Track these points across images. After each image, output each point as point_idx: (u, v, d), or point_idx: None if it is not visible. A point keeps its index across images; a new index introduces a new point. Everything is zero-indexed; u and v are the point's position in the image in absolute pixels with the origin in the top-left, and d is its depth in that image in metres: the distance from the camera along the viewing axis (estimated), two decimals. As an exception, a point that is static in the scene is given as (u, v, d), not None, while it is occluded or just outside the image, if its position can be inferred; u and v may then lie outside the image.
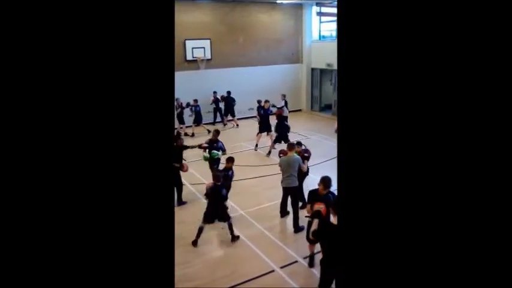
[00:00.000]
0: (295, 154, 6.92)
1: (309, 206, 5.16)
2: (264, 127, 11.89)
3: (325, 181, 5.16)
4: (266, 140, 12.08)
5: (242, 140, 13.08)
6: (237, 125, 15.24)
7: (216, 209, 6.40)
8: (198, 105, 14.14)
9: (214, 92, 14.99)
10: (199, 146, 8.41)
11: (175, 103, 13.58)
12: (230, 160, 7.08)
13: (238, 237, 6.53)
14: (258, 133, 12.02)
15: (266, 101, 12.26)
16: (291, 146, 7.00)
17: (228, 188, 6.93)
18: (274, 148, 10.93)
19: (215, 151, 8.16)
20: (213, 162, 8.28)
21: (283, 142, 10.88)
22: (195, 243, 6.35)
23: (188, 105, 13.98)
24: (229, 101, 15.05)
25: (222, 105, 15.29)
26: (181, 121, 13.94)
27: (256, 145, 11.88)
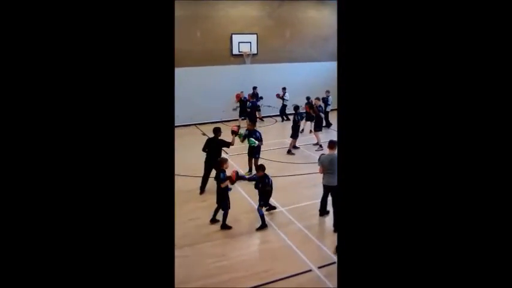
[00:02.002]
0: (336, 152, 6.73)
1: None
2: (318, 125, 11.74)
3: None
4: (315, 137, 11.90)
5: (284, 136, 12.95)
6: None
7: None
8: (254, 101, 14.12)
9: (254, 88, 14.91)
10: (232, 132, 8.70)
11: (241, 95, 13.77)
12: (261, 168, 6.89)
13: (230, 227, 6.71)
14: (314, 131, 11.84)
15: (317, 99, 12.16)
16: (332, 144, 6.79)
17: (269, 194, 6.88)
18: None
19: (252, 139, 8.69)
20: (253, 152, 8.94)
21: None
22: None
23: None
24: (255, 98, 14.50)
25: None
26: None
27: (319, 145, 11.55)
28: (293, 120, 11.59)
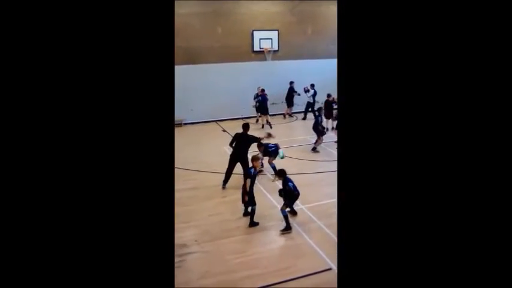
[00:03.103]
0: None
1: None
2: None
3: None
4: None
5: (306, 133, 12.88)
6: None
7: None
8: (265, 95, 14.03)
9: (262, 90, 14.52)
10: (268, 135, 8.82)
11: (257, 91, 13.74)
12: (281, 174, 6.78)
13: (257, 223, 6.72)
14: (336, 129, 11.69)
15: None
16: None
17: (294, 197, 6.82)
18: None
19: (281, 151, 8.65)
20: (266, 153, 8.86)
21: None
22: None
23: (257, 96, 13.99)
24: (264, 98, 14.07)
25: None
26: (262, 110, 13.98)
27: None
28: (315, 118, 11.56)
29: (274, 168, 8.74)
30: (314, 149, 11.09)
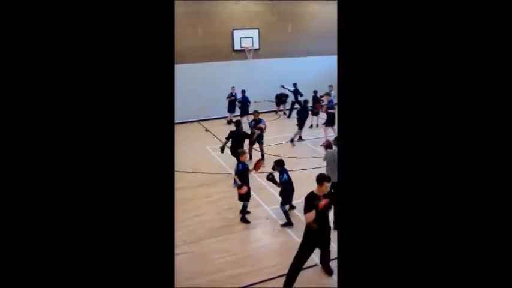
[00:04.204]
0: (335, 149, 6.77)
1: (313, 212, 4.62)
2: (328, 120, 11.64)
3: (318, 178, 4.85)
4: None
5: (290, 131, 12.93)
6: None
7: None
8: (246, 96, 14.02)
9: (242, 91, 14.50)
10: (255, 130, 9.39)
11: (231, 91, 13.70)
12: (278, 164, 6.86)
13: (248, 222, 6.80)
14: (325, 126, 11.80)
15: (327, 94, 12.13)
16: (329, 143, 6.83)
17: (290, 191, 6.87)
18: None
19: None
20: (256, 139, 9.56)
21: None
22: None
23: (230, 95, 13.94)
24: (244, 100, 14.00)
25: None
26: (232, 110, 13.95)
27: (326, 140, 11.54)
28: (298, 112, 11.73)
29: (263, 156, 9.54)
30: (292, 141, 11.30)
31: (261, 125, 9.62)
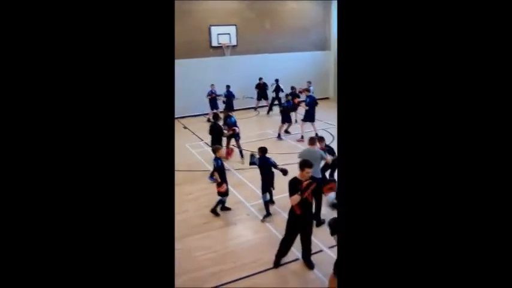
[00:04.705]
0: (317, 148, 6.82)
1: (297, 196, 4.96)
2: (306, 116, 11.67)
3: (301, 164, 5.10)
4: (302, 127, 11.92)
5: (270, 127, 12.98)
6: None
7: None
8: (231, 91, 13.95)
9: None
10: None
11: (210, 89, 13.63)
12: (261, 150, 6.89)
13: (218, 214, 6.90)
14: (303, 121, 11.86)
15: (306, 90, 12.21)
16: (312, 141, 6.86)
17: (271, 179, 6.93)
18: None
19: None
20: (231, 136, 9.63)
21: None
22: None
23: (211, 93, 13.85)
24: (229, 95, 14.04)
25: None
26: (214, 107, 13.78)
27: (302, 136, 11.60)
28: (282, 105, 11.91)
29: (241, 151, 9.61)
30: (279, 136, 11.49)
31: (235, 128, 9.57)
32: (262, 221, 6.66)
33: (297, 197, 4.92)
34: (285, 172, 6.55)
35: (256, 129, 13.03)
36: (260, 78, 15.16)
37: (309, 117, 11.51)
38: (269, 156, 6.93)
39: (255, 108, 15.82)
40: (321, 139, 7.52)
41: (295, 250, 5.61)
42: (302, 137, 11.39)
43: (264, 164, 6.78)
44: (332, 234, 4.44)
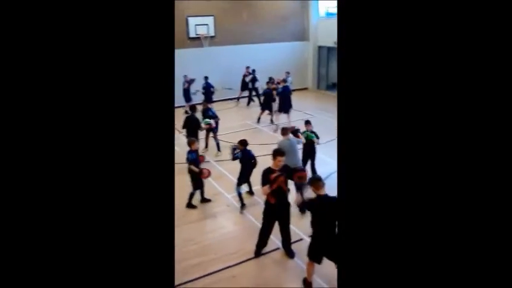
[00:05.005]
0: (291, 136, 6.90)
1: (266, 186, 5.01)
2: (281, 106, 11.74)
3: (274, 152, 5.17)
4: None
5: (247, 118, 12.96)
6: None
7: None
8: (209, 82, 13.79)
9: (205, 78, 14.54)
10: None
11: (184, 79, 13.44)
12: (242, 143, 6.85)
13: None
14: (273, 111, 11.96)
15: (283, 81, 12.25)
16: (285, 131, 6.90)
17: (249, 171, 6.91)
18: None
19: (206, 119, 9.24)
20: (209, 128, 9.49)
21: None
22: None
23: (187, 82, 13.64)
24: (208, 86, 13.69)
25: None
26: (188, 99, 13.57)
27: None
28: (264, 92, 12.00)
29: (218, 144, 9.60)
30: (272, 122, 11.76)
31: (211, 122, 9.41)
32: (241, 212, 6.70)
33: (266, 188, 4.96)
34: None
35: (235, 120, 12.98)
36: (254, 71, 14.95)
37: (283, 107, 11.58)
38: (249, 149, 6.92)
39: (237, 99, 15.70)
40: (307, 123, 7.81)
41: (276, 239, 5.66)
42: (277, 126, 11.51)
43: (245, 157, 6.76)
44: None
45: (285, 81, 12.46)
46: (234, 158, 6.85)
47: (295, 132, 7.38)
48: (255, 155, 7.00)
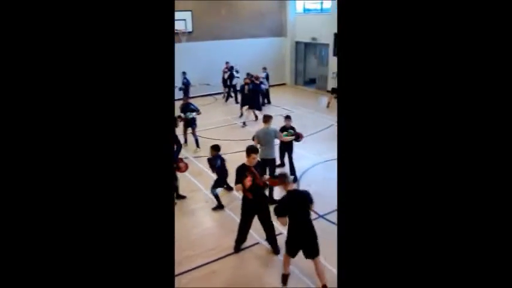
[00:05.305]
0: (271, 126, 6.89)
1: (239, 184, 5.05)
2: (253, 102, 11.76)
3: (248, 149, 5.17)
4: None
5: (226, 114, 12.94)
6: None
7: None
8: (187, 78, 13.64)
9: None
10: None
11: None
12: (214, 148, 6.74)
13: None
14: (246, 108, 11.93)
15: (256, 77, 12.26)
16: (267, 118, 6.90)
17: (225, 174, 6.83)
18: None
19: (189, 112, 9.34)
20: (188, 124, 9.56)
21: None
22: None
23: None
24: (186, 83, 13.73)
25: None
26: None
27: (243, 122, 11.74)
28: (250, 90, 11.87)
29: (197, 140, 9.51)
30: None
31: (194, 115, 9.42)
32: (214, 209, 6.69)
33: (240, 186, 5.01)
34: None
35: (214, 116, 12.95)
36: (232, 68, 14.86)
37: (254, 104, 11.61)
38: (220, 155, 6.82)
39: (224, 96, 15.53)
40: (287, 117, 7.87)
41: (256, 234, 5.69)
42: (244, 123, 11.59)
43: (221, 163, 6.69)
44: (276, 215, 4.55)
45: (257, 78, 12.39)
46: (214, 170, 6.73)
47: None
48: (234, 151, 7.00)
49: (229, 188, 7.14)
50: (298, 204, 4.42)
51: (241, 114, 12.31)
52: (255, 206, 5.23)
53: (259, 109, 11.61)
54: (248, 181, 4.91)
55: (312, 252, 4.50)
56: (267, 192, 5.56)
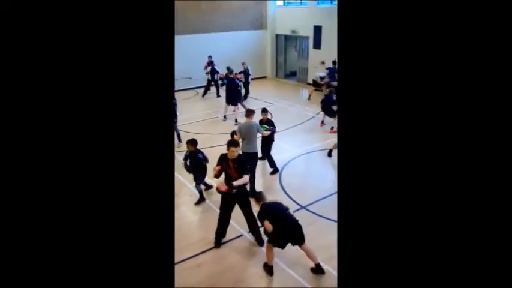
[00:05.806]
0: (253, 120, 6.95)
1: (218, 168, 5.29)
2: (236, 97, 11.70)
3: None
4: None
5: (207, 108, 12.95)
6: None
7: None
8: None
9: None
10: None
11: None
12: (191, 143, 6.71)
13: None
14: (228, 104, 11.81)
15: (240, 72, 12.25)
16: (249, 112, 6.98)
17: (205, 170, 6.86)
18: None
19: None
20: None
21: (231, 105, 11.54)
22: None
23: None
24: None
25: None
26: None
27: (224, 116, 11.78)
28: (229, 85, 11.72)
29: (178, 135, 9.42)
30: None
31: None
32: (196, 204, 6.78)
33: (216, 171, 5.23)
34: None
35: (195, 110, 12.95)
36: (212, 62, 14.72)
37: (230, 99, 11.55)
38: (200, 149, 6.84)
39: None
40: (264, 111, 7.92)
41: (238, 226, 5.80)
42: (225, 116, 11.63)
43: (198, 157, 6.69)
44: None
45: (231, 72, 12.14)
46: (187, 168, 6.81)
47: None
48: (216, 144, 7.03)
49: (208, 186, 7.20)
50: (274, 213, 4.77)
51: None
52: (232, 199, 5.34)
53: (235, 104, 11.51)
54: (219, 187, 5.23)
55: (299, 240, 4.80)
56: (248, 186, 5.65)
